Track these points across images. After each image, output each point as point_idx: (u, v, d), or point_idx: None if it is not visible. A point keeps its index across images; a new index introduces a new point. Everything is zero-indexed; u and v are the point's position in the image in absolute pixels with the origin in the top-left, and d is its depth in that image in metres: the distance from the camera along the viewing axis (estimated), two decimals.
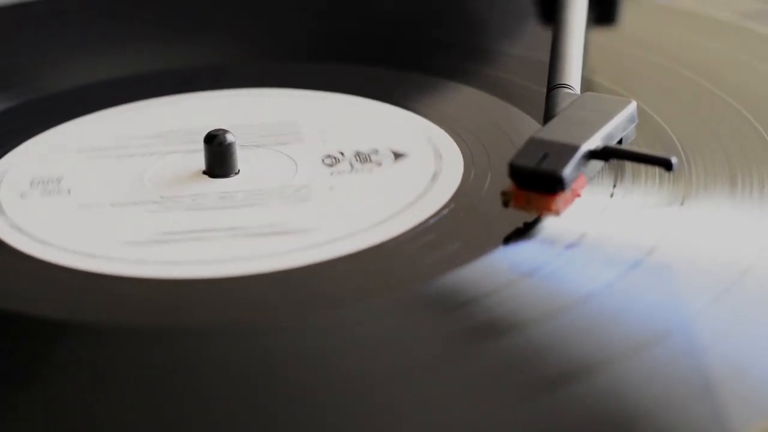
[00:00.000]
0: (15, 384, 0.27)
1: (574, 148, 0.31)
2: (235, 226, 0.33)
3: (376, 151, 0.37)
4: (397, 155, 0.36)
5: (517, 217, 0.32)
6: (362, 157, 0.36)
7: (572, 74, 0.36)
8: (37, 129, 0.39)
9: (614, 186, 0.33)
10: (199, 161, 0.36)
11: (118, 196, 0.35)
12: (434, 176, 0.35)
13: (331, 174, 0.35)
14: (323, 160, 0.36)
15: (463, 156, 0.36)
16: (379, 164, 0.36)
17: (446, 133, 0.37)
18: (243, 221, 0.33)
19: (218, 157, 0.35)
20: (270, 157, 0.37)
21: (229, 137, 0.35)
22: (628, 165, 0.34)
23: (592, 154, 0.31)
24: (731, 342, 0.27)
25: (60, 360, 0.28)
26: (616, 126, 0.32)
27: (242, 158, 0.36)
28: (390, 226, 0.32)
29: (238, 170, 0.36)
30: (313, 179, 0.35)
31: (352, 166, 0.36)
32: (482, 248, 0.31)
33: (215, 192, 0.35)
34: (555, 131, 0.32)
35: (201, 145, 0.36)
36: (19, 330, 0.29)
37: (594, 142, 0.31)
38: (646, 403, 0.25)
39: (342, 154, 0.36)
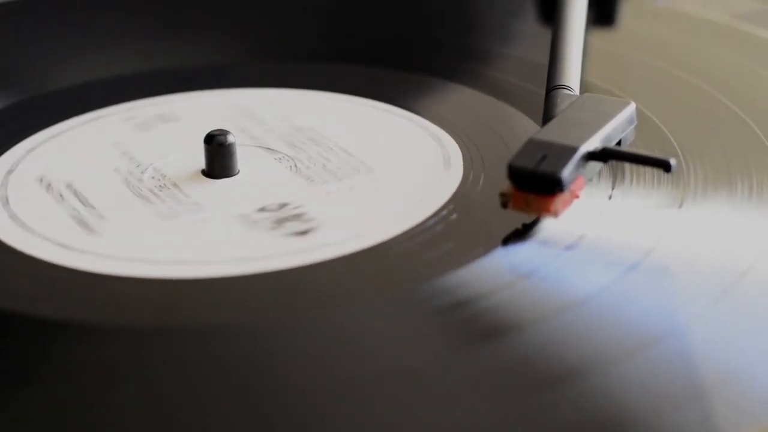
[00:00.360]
0: (15, 384, 0.27)
1: (572, 150, 0.31)
2: (234, 226, 0.33)
3: (376, 152, 0.37)
4: (397, 156, 0.36)
5: (517, 219, 0.32)
6: (362, 158, 0.36)
7: (571, 75, 0.36)
8: (37, 128, 0.39)
9: (613, 188, 0.33)
10: (199, 161, 0.36)
11: (117, 196, 0.35)
12: (433, 177, 0.35)
13: (331, 174, 0.35)
14: (323, 160, 0.36)
15: (463, 157, 0.36)
16: (379, 164, 0.36)
17: (446, 134, 0.37)
18: (242, 221, 0.33)
19: (218, 157, 0.35)
20: (270, 157, 0.37)
21: (230, 137, 0.35)
22: (627, 167, 0.34)
23: (591, 156, 0.31)
24: (728, 345, 0.27)
25: (60, 360, 0.28)
26: (615, 127, 0.33)
27: (242, 159, 0.36)
28: (389, 226, 0.32)
29: (238, 171, 0.36)
30: (312, 180, 0.35)
31: (352, 166, 0.36)
32: (481, 249, 0.31)
33: (215, 192, 0.35)
34: (554, 132, 0.32)
35: (201, 145, 0.36)
36: (19, 330, 0.29)
37: (593, 144, 0.32)
38: (642, 406, 0.25)
39: (342, 154, 0.36)
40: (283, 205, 0.34)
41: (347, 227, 0.32)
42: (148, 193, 0.35)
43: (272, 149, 0.37)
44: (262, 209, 0.34)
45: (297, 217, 0.33)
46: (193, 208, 0.34)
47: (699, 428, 0.25)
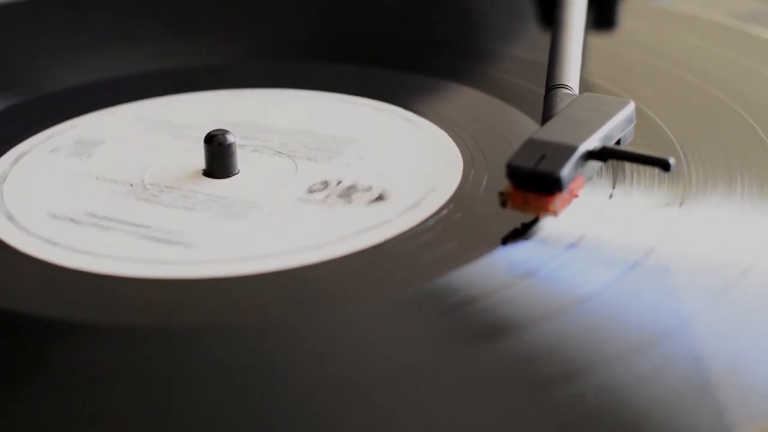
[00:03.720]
0: (15, 384, 0.27)
1: (572, 149, 0.31)
2: (234, 226, 0.33)
3: (376, 152, 0.37)
4: (397, 155, 0.36)
5: (518, 218, 0.32)
6: (362, 159, 0.36)
7: (571, 75, 0.36)
8: (38, 128, 0.39)
9: (613, 187, 0.33)
10: (199, 161, 0.36)
11: (117, 195, 0.35)
12: (433, 177, 0.35)
13: (331, 174, 0.35)
14: (324, 161, 0.36)
15: (462, 156, 0.36)
16: (379, 167, 0.36)
17: (445, 134, 0.37)
18: (242, 221, 0.33)
19: (218, 157, 0.35)
20: (270, 157, 0.37)
21: (229, 137, 0.35)
22: (628, 166, 0.34)
23: (590, 155, 0.31)
24: (730, 342, 0.27)
25: (60, 360, 0.28)
26: (614, 127, 0.32)
27: (242, 159, 0.36)
28: (389, 226, 0.32)
29: (238, 171, 0.36)
30: (312, 180, 0.35)
31: (351, 167, 0.36)
32: (481, 249, 0.31)
33: (214, 192, 0.35)
34: (553, 132, 0.32)
35: (201, 145, 0.36)
36: (19, 330, 0.29)
37: (592, 143, 0.31)
38: (645, 404, 0.25)
39: (341, 155, 0.36)
40: (326, 183, 0.34)
41: (347, 227, 0.32)
42: (147, 192, 0.35)
43: (273, 149, 0.37)
44: (311, 191, 0.34)
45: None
46: (193, 208, 0.34)
47: (703, 425, 0.25)
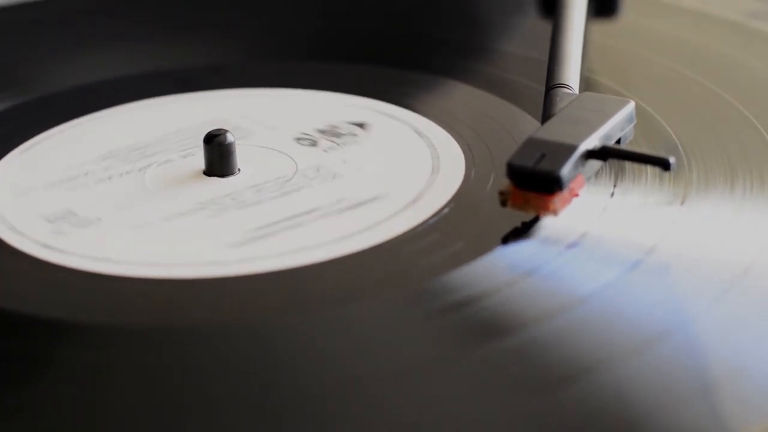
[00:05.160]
0: (15, 384, 0.27)
1: (572, 148, 0.31)
2: (233, 226, 0.33)
3: (376, 152, 0.37)
4: (397, 155, 0.36)
5: (518, 217, 0.32)
6: (363, 160, 0.36)
7: (571, 74, 0.36)
8: (38, 129, 0.39)
9: (614, 185, 0.33)
10: (199, 161, 0.36)
11: (117, 195, 0.35)
12: (434, 176, 0.35)
13: (331, 175, 0.35)
14: (324, 161, 0.36)
15: (464, 155, 0.36)
16: (379, 166, 0.36)
17: (446, 132, 0.37)
18: (241, 221, 0.33)
19: (218, 156, 0.35)
20: (270, 156, 0.37)
21: (229, 137, 0.35)
22: (629, 164, 0.34)
23: (590, 154, 0.31)
24: (731, 342, 0.27)
25: (60, 360, 0.28)
26: (614, 126, 0.32)
27: (242, 158, 0.36)
28: (390, 226, 0.32)
29: (238, 170, 0.36)
30: (312, 180, 0.35)
31: (352, 167, 0.36)
32: (482, 248, 0.31)
33: (214, 192, 0.35)
34: (553, 131, 0.32)
35: (201, 145, 0.36)
36: (19, 330, 0.29)
37: (592, 142, 0.31)
38: (646, 403, 0.25)
39: (343, 156, 0.36)
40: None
41: (347, 227, 0.32)
42: (147, 192, 0.35)
43: (273, 149, 0.37)
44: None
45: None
46: (192, 208, 0.34)
47: (705, 425, 0.25)
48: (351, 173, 0.35)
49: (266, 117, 0.39)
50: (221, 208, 0.34)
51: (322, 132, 0.38)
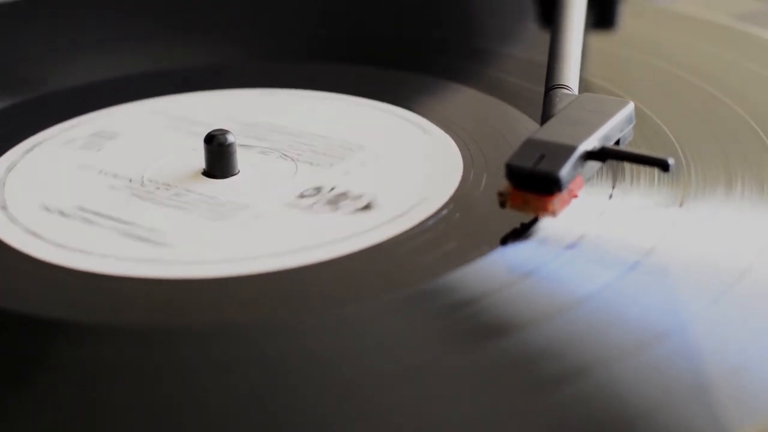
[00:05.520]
0: (15, 384, 0.27)
1: (571, 149, 0.31)
2: (233, 226, 0.33)
3: (375, 152, 0.37)
4: (397, 155, 0.36)
5: (517, 218, 0.32)
6: (363, 160, 0.36)
7: (570, 75, 0.36)
8: (38, 129, 0.39)
9: (613, 187, 0.33)
10: (199, 161, 0.36)
11: (117, 195, 0.35)
12: (433, 177, 0.35)
13: (331, 176, 0.35)
14: (324, 162, 0.36)
15: (462, 156, 0.36)
16: (380, 166, 0.36)
17: (445, 134, 0.37)
18: (240, 222, 0.33)
19: (218, 157, 0.35)
20: (270, 158, 0.37)
21: (229, 137, 0.35)
22: (628, 166, 0.34)
23: (590, 155, 0.31)
24: (729, 343, 0.27)
25: (59, 360, 0.28)
26: (613, 127, 0.32)
27: (242, 159, 0.36)
28: (389, 226, 0.32)
29: (238, 171, 0.36)
30: (312, 180, 0.35)
31: (352, 167, 0.36)
32: (481, 249, 0.31)
33: (214, 192, 0.35)
34: (552, 132, 0.32)
35: (201, 145, 0.36)
36: (18, 330, 0.29)
37: (591, 143, 0.31)
38: (644, 404, 0.25)
39: (343, 157, 0.36)
40: (319, 189, 0.34)
41: (347, 227, 0.32)
42: (147, 192, 0.35)
43: (273, 149, 0.37)
44: (302, 196, 0.34)
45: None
46: (191, 208, 0.34)
47: (702, 425, 0.25)
48: (350, 175, 0.35)
49: (267, 117, 0.39)
50: (219, 208, 0.34)
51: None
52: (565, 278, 0.30)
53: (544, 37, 0.40)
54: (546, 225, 0.31)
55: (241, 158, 0.36)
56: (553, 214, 0.31)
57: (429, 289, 0.29)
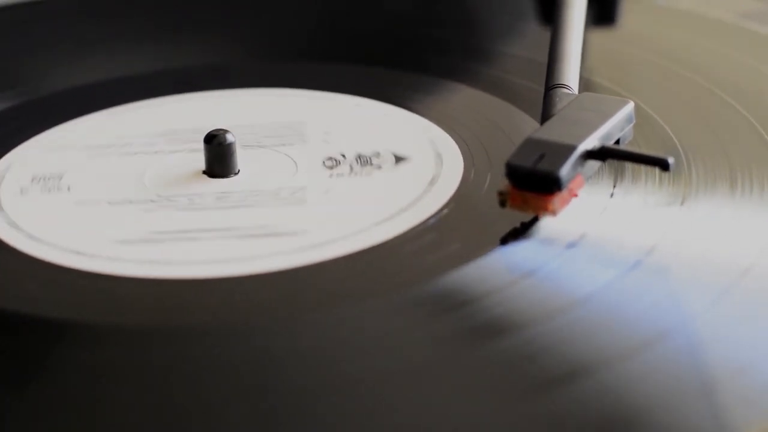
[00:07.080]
0: (15, 384, 0.27)
1: (571, 148, 0.31)
2: (233, 226, 0.33)
3: (377, 154, 0.36)
4: (398, 158, 0.36)
5: (518, 218, 0.32)
6: (363, 160, 0.36)
7: (570, 74, 0.36)
8: (38, 129, 0.39)
9: (614, 186, 0.33)
10: (200, 161, 0.36)
11: (116, 195, 0.35)
12: (434, 177, 0.35)
13: (331, 176, 0.35)
14: (324, 162, 0.36)
15: (463, 156, 0.36)
16: (380, 167, 0.36)
17: (446, 134, 0.37)
18: (240, 222, 0.33)
19: (218, 157, 0.35)
20: (270, 157, 0.37)
21: (229, 137, 0.35)
22: (629, 165, 0.34)
23: (590, 154, 0.31)
24: (731, 342, 0.27)
25: (59, 360, 0.28)
26: (613, 126, 0.32)
27: (242, 158, 0.36)
28: (389, 226, 0.32)
29: (238, 170, 0.36)
30: (312, 180, 0.35)
31: (352, 168, 0.36)
32: (481, 249, 0.31)
33: (214, 192, 0.35)
34: (552, 131, 0.32)
35: (201, 145, 0.36)
36: (18, 330, 0.29)
37: (591, 143, 0.31)
38: (645, 404, 0.25)
39: (343, 156, 0.36)
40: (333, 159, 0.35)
41: (347, 227, 0.32)
42: (147, 192, 0.35)
43: (273, 149, 0.37)
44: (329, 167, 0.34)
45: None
46: (191, 208, 0.34)
47: (704, 425, 0.25)
48: (350, 175, 0.35)
49: (268, 117, 0.39)
50: (219, 208, 0.34)
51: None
52: (566, 277, 0.30)
53: (545, 36, 0.40)
54: (546, 224, 0.31)
55: (242, 158, 0.36)
56: (553, 213, 0.30)
57: (429, 288, 0.29)
